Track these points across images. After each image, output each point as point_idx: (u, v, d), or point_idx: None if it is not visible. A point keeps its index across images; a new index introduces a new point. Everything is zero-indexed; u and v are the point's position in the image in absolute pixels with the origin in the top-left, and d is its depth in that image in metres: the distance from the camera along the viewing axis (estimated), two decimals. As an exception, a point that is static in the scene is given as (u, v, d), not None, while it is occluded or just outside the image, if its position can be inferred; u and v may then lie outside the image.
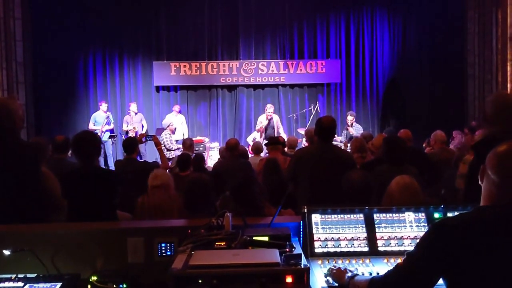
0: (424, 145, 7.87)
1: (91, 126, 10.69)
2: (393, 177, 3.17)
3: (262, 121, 10.67)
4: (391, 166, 3.81)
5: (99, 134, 10.14)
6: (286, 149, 7.09)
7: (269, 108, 10.79)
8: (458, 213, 1.81)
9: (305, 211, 2.35)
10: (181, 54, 12.38)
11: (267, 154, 6.54)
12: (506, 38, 9.47)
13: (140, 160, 7.96)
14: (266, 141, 6.93)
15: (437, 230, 1.63)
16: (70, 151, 4.64)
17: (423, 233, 1.69)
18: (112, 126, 11.03)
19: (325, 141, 4.11)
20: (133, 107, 11.14)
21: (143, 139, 5.92)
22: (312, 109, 11.49)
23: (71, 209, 3.21)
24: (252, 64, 12.39)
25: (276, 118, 10.82)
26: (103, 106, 11.01)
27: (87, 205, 3.27)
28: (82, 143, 3.44)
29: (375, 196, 3.16)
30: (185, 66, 12.28)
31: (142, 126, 11.14)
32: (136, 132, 10.51)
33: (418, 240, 1.69)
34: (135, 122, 10.99)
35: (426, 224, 2.32)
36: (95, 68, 12.23)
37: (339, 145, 8.52)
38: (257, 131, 10.72)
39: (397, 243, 2.29)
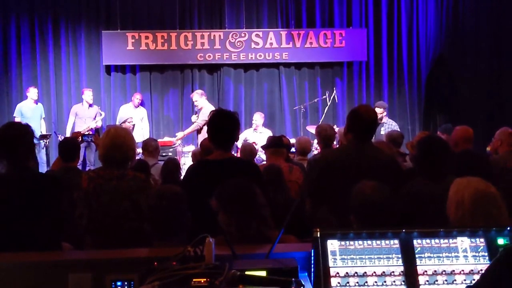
0: (488, 148, 7.93)
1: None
2: (432, 197, 3.21)
3: None
4: (427, 180, 3.82)
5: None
6: (294, 155, 7.07)
7: (195, 95, 10.65)
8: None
9: (318, 235, 2.39)
10: (141, 20, 12.41)
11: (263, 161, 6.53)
12: None
13: (85, 171, 7.97)
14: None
15: (509, 257, 1.67)
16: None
17: (483, 265, 1.73)
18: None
19: (363, 141, 4.12)
20: (88, 95, 11.10)
21: (80, 140, 5.92)
22: (327, 99, 11.54)
23: None
24: (243, 35, 12.44)
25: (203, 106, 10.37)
26: (32, 93, 11.00)
27: (19, 225, 3.30)
28: (9, 139, 3.48)
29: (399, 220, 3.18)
30: (147, 37, 12.28)
31: (94, 130, 10.98)
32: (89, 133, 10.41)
33: (478, 275, 1.72)
34: (88, 117, 10.95)
35: (486, 254, 2.34)
36: (19, 42, 12.18)
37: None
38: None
39: (446, 280, 2.32)
